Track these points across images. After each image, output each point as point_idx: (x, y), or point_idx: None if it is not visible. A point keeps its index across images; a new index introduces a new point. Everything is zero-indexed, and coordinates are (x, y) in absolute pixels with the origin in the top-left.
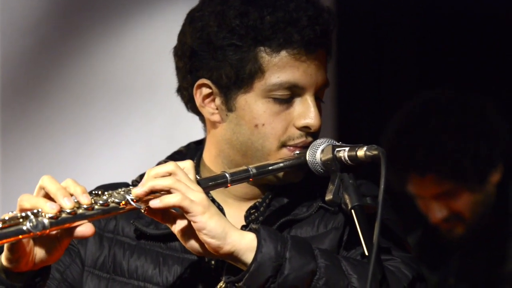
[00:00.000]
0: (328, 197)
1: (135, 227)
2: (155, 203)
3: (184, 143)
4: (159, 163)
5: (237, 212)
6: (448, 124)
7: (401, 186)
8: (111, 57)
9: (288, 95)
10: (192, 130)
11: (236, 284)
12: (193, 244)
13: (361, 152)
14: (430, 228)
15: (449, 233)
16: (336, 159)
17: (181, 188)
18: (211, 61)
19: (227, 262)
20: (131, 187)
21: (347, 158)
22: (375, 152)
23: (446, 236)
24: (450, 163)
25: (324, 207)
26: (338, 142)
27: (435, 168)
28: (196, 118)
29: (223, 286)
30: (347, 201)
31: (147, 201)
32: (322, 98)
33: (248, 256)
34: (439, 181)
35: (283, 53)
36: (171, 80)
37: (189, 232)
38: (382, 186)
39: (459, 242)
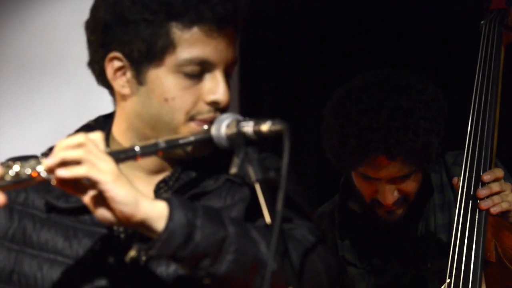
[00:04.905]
0: (233, 170)
1: (46, 200)
2: (63, 173)
3: (93, 117)
4: (68, 136)
5: (146, 186)
6: (418, 105)
7: (352, 168)
8: (19, 30)
9: (198, 71)
10: (102, 104)
11: (147, 252)
12: (104, 214)
13: (265, 127)
14: (366, 211)
15: (389, 216)
16: (240, 134)
17: (91, 158)
18: (123, 35)
19: (138, 232)
20: (41, 158)
21: (251, 132)
22: (279, 127)
23: (384, 219)
24: (420, 144)
25: (231, 180)
26: (243, 117)
27: (406, 151)
28: (105, 92)
29: (134, 255)
30: (251, 174)
31: (57, 173)
32: (231, 74)
33: (160, 224)
34: (404, 164)
35: (195, 29)
36: (81, 54)
37: (100, 202)
38: (285, 160)
39: (395, 224)
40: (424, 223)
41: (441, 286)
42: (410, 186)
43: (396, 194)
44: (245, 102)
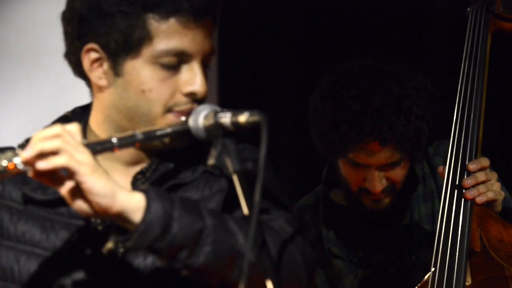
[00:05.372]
0: (211, 161)
1: (23, 192)
2: (42, 164)
3: (71, 108)
4: (45, 128)
5: (123, 177)
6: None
7: (342, 154)
8: None
9: (175, 62)
10: (80, 95)
11: (125, 244)
12: (81, 206)
13: (242, 118)
14: (351, 201)
15: (375, 205)
16: (218, 125)
17: (68, 149)
18: (99, 26)
19: (115, 224)
20: (18, 150)
21: (229, 123)
22: (256, 118)
23: (370, 208)
24: (412, 131)
25: (209, 171)
26: (221, 108)
27: (398, 136)
28: (82, 83)
29: (111, 246)
30: (229, 165)
31: (34, 164)
32: (209, 65)
33: (137, 216)
34: (395, 151)
35: (172, 20)
36: (59, 45)
37: (78, 194)
38: (263, 151)
39: (380, 215)
40: (408, 214)
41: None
42: (399, 174)
43: (384, 182)
44: (224, 94)
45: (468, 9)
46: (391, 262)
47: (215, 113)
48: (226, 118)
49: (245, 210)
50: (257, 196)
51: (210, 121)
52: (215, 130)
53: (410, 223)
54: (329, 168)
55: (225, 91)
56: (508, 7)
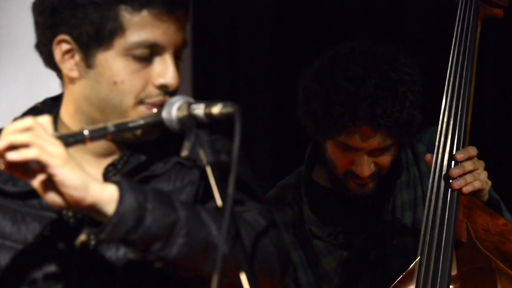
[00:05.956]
0: (184, 153)
1: None
2: (13, 156)
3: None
4: (15, 119)
5: (95, 169)
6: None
7: (334, 136)
8: None
9: (147, 54)
10: (55, 86)
11: (98, 236)
12: (54, 198)
13: (216, 109)
14: (335, 184)
15: (360, 189)
16: (191, 116)
17: (40, 142)
18: (71, 18)
19: (88, 216)
20: None
21: (202, 115)
22: (230, 109)
23: (355, 192)
24: (405, 117)
25: (180, 163)
26: (194, 100)
27: (391, 122)
28: (54, 74)
29: (84, 239)
30: (202, 157)
31: (5, 157)
32: (181, 57)
33: (110, 208)
34: (386, 136)
35: (144, 12)
36: (29, 37)
37: (50, 186)
38: (236, 142)
39: (364, 199)
40: (392, 200)
41: (405, 263)
42: (387, 159)
43: (372, 167)
44: (198, 86)
45: None
46: (372, 246)
47: (189, 104)
48: (199, 109)
49: (218, 201)
50: (231, 187)
51: (184, 112)
52: (189, 121)
53: (392, 208)
54: (312, 149)
55: (199, 83)
56: None
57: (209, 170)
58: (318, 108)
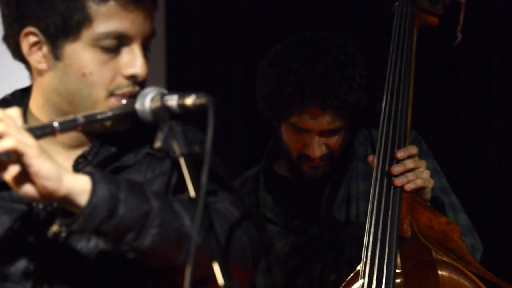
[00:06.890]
0: (157, 144)
1: None
2: None
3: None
4: None
5: (65, 161)
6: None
7: (285, 117)
8: None
9: (115, 44)
10: (20, 79)
11: (71, 227)
12: (27, 190)
13: (189, 100)
14: (292, 169)
15: (313, 172)
16: (165, 107)
17: (13, 132)
18: (38, 10)
19: (60, 207)
20: None
21: (176, 106)
22: (203, 100)
23: (308, 175)
24: (353, 99)
25: (151, 154)
26: (168, 91)
27: (339, 103)
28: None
29: (57, 229)
30: (175, 148)
31: None
32: (149, 47)
33: (83, 198)
34: (335, 117)
35: (111, 2)
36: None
37: (23, 178)
38: (210, 133)
39: (318, 186)
40: (346, 188)
41: (357, 250)
42: (338, 142)
43: (324, 148)
44: (172, 77)
45: (395, 3)
46: (325, 233)
47: (162, 95)
48: (172, 100)
49: (191, 192)
50: (204, 178)
51: (157, 103)
52: (162, 112)
53: (347, 196)
54: (274, 140)
55: (173, 74)
56: (433, 2)
57: (182, 161)
58: (271, 90)
